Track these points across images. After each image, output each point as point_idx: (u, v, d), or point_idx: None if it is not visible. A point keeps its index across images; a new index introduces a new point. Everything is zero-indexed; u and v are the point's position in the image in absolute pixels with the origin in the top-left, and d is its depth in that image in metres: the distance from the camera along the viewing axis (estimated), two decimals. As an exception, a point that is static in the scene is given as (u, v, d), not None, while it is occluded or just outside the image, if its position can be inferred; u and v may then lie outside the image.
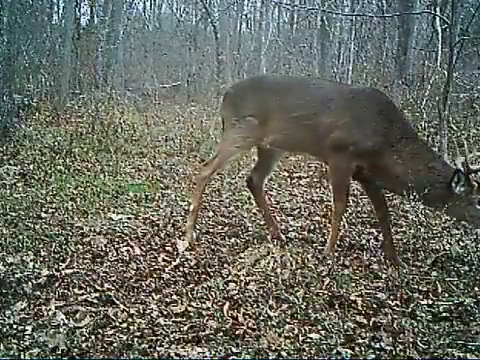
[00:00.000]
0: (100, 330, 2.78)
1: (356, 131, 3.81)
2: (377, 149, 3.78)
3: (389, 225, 4.07)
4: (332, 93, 4.00)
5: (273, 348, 2.63)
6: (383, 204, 4.04)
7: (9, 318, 2.90)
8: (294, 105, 3.99)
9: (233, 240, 4.29)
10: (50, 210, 4.91)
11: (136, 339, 2.71)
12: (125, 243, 4.13)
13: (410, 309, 3.03)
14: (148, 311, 3.02)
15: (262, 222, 4.61)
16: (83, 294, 3.23)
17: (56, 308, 3.01)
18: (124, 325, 2.85)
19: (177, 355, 2.59)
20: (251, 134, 4.11)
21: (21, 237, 4.08)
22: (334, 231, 3.95)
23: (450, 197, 3.66)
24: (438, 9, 11.22)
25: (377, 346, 2.66)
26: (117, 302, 3.12)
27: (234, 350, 2.62)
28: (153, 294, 3.26)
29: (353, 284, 3.39)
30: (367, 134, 3.80)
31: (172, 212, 4.97)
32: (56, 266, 3.62)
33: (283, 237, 4.29)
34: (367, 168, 3.86)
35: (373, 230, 4.53)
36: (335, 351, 2.61)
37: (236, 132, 4.15)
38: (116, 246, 4.05)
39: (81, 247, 3.99)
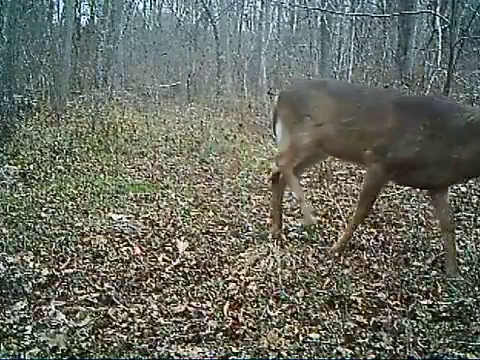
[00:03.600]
0: (100, 330, 2.79)
1: (397, 140, 3.60)
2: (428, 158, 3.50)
3: (454, 237, 3.73)
4: (379, 100, 3.87)
5: (273, 348, 2.64)
6: (448, 213, 3.71)
7: (9, 318, 2.91)
8: (344, 112, 3.87)
9: (233, 240, 4.28)
10: (50, 210, 4.91)
11: (136, 339, 2.72)
12: (125, 243, 4.13)
13: (410, 309, 3.03)
14: (148, 311, 3.02)
15: (262, 222, 4.60)
16: (83, 294, 3.23)
17: (56, 308, 3.02)
18: (124, 325, 2.86)
19: (177, 355, 2.59)
20: (310, 133, 3.94)
21: (21, 237, 4.09)
22: (347, 233, 3.90)
23: None
24: (438, 9, 11.25)
25: (377, 346, 2.66)
26: (117, 302, 3.12)
27: (234, 350, 2.63)
28: (153, 294, 3.27)
29: (353, 284, 3.39)
30: (408, 143, 3.54)
31: (172, 212, 4.97)
32: (56, 266, 3.63)
33: (283, 237, 4.28)
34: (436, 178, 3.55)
35: (373, 230, 4.52)
36: (335, 351, 2.62)
37: (299, 130, 3.97)
38: (116, 246, 4.06)
39: (81, 247, 4.00)
